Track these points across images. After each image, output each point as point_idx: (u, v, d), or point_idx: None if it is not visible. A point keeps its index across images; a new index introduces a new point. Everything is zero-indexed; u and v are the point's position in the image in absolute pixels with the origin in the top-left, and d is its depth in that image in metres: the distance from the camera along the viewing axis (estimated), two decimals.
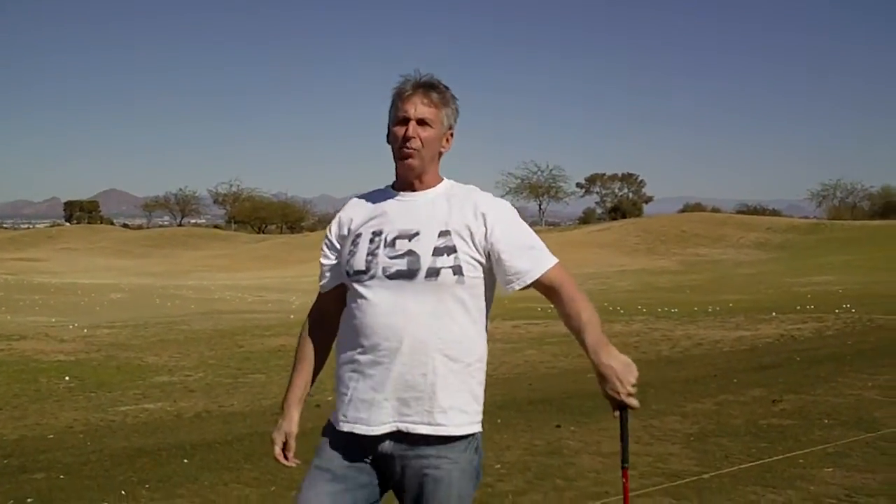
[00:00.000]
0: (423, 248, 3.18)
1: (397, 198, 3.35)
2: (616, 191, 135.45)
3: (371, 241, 3.25)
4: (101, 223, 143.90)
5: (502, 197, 3.47)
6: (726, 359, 15.47)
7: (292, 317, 26.05)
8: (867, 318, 21.25)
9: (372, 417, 3.18)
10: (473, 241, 3.23)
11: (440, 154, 3.40)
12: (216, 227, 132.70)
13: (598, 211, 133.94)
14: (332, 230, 3.44)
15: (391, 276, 3.17)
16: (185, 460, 8.22)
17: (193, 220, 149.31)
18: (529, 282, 3.28)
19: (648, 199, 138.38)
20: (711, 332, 20.65)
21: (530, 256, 3.31)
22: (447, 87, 3.38)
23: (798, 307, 24.91)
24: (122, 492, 6.98)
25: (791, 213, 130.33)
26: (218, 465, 7.87)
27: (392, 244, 3.22)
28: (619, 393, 3.05)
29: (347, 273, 3.27)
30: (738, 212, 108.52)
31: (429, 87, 3.31)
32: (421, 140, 3.25)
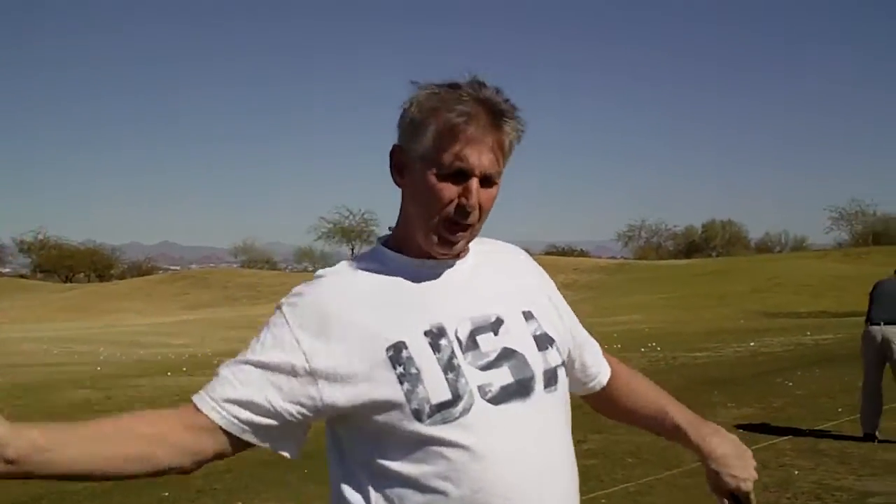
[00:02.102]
0: (522, 341, 2.06)
1: (423, 267, 2.09)
2: None
3: (435, 347, 1.95)
4: None
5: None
6: None
7: (99, 369, 25.19)
8: (671, 356, 21.84)
9: None
10: (555, 324, 2.20)
11: None
12: (21, 276, 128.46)
13: None
14: (314, 344, 1.93)
15: (496, 400, 1.95)
16: None
17: None
18: (608, 377, 2.47)
19: None
20: None
21: (591, 340, 2.46)
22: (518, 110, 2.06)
23: (604, 347, 25.18)
24: None
25: (599, 254, 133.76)
26: None
27: (473, 345, 1.99)
28: (744, 479, 2.26)
29: (417, 414, 1.89)
30: (547, 253, 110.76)
31: (504, 115, 2.01)
32: (481, 209, 2.03)
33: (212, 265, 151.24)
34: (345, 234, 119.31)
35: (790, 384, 15.28)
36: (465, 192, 1.97)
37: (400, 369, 1.90)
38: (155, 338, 38.84)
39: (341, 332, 1.94)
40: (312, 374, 1.91)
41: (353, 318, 1.95)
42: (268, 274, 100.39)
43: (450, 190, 1.98)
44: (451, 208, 1.98)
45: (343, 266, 2.12)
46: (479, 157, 1.96)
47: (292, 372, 1.92)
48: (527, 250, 2.34)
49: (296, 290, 2.05)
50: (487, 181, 2.00)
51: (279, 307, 2.02)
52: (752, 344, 24.74)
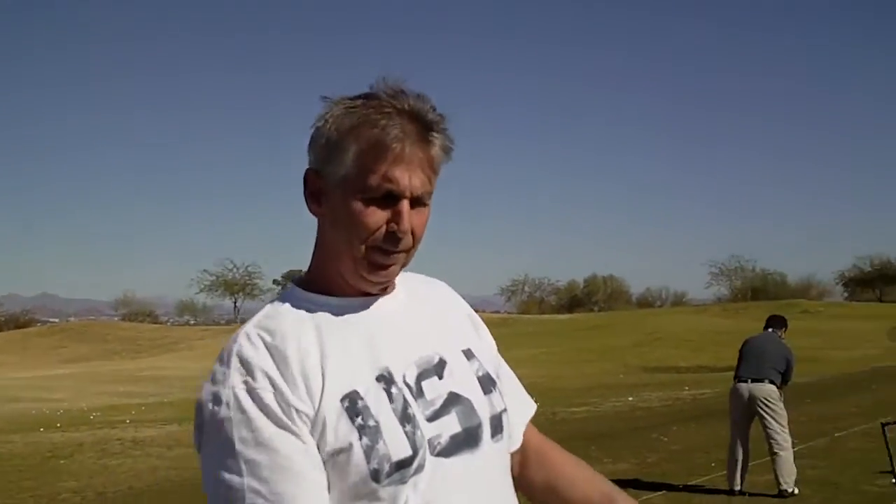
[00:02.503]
0: (467, 383, 1.86)
1: (352, 306, 1.85)
2: None
3: (389, 395, 1.72)
4: None
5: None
6: None
7: None
8: (551, 412, 21.93)
9: None
10: (492, 363, 2.01)
11: None
12: None
13: None
14: (287, 389, 1.66)
15: (446, 452, 1.75)
16: None
17: None
18: (522, 434, 2.13)
19: None
20: None
21: (522, 393, 2.16)
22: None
23: None
24: None
25: (482, 308, 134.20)
26: None
27: (420, 392, 1.78)
28: None
29: (375, 475, 1.66)
30: None
31: (433, 128, 1.81)
32: (414, 234, 1.82)
33: (92, 318, 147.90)
34: (228, 288, 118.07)
35: (666, 439, 15.51)
36: (396, 217, 1.77)
37: (359, 420, 1.66)
38: (30, 392, 37.82)
39: (298, 384, 1.67)
40: (298, 417, 1.65)
41: (301, 370, 1.68)
42: (147, 328, 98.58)
43: (377, 215, 1.77)
44: (381, 235, 1.77)
45: (264, 318, 1.81)
46: (409, 178, 1.76)
47: (303, 426, 1.65)
48: None
49: (234, 363, 1.70)
50: (418, 202, 1.80)
51: (230, 389, 1.67)
52: (630, 399, 25.08)
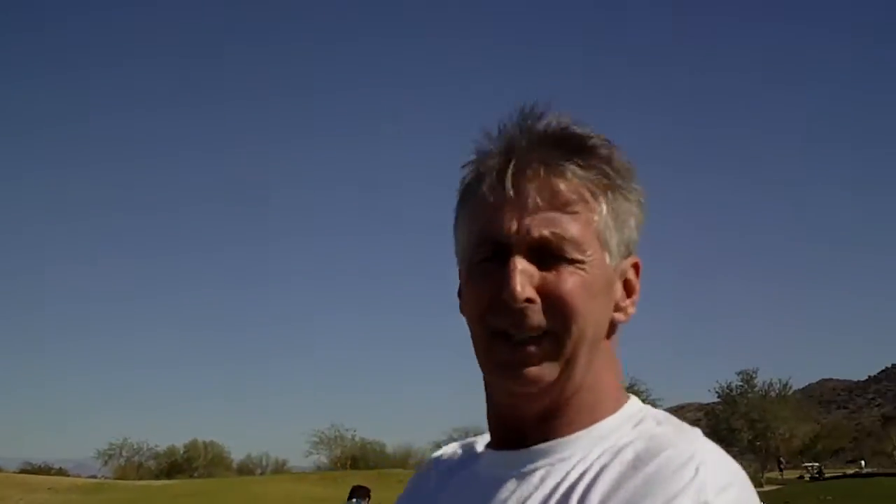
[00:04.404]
0: None
1: (482, 463, 1.34)
2: None
3: None
4: None
5: None
6: None
7: None
8: None
9: None
10: None
11: (611, 330, 1.31)
12: None
13: None
14: None
15: None
16: None
17: None
18: None
19: None
20: None
21: None
22: (605, 141, 1.27)
23: None
24: None
25: (79, 472, 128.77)
26: None
27: None
28: None
29: None
30: (23, 471, 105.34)
31: (558, 144, 1.25)
32: (552, 300, 1.21)
33: None
34: None
35: None
36: (508, 278, 1.20)
37: None
38: None
39: None
40: None
41: None
42: None
43: (482, 283, 1.25)
44: (490, 308, 1.23)
45: (422, 470, 1.49)
46: (516, 220, 1.21)
47: None
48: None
49: None
50: (549, 255, 1.21)
51: None
52: None
